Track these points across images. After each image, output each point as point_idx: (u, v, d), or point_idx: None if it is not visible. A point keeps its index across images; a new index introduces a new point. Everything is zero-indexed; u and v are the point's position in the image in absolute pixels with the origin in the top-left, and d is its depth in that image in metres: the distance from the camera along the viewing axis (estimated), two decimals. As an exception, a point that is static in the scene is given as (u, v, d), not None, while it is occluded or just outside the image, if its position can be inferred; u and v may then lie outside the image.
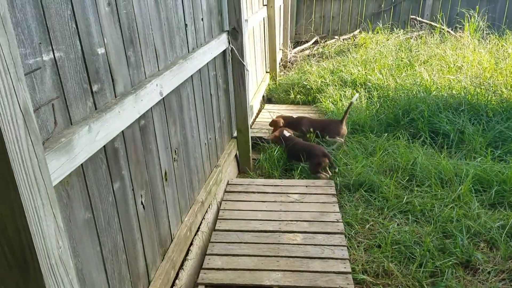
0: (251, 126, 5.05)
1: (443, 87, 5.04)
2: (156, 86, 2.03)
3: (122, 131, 1.71)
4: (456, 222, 3.01)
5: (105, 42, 1.61)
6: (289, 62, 8.55)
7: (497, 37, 7.62)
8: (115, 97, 1.68)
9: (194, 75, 2.84)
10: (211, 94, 3.27)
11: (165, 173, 2.27)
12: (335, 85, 5.70)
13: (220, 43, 3.31)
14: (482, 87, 4.99)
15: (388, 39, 8.20)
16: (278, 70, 7.82)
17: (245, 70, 3.64)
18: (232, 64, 3.63)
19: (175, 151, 2.48)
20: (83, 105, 1.44)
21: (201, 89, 3.04)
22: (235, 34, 3.47)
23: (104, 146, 1.53)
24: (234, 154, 3.98)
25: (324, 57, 8.27)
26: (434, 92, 4.91)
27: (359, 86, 5.59)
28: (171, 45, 2.40)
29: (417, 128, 4.36)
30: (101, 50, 1.57)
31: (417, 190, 3.44)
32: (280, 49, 8.41)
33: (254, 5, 5.26)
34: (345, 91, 5.48)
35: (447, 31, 8.34)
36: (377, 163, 3.80)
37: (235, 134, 4.01)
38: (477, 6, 9.03)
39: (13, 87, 0.85)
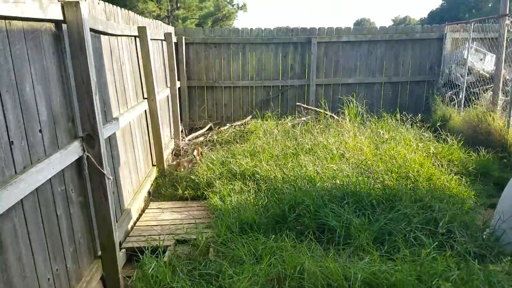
0: (129, 234, 4.46)
1: (327, 177, 5.03)
2: None
3: None
4: None
5: None
6: (183, 150, 8.24)
7: (376, 119, 8.19)
8: None
9: (26, 198, 2.29)
10: (57, 215, 2.70)
11: None
12: (224, 178, 5.42)
13: (70, 153, 2.83)
14: (364, 175, 5.08)
15: (277, 125, 8.39)
16: (170, 160, 7.43)
17: (106, 179, 3.16)
18: (89, 173, 3.13)
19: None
20: None
21: (40, 213, 2.48)
22: (91, 141, 3.03)
23: None
24: (99, 277, 3.33)
25: (217, 145, 8.13)
26: (319, 184, 4.85)
27: (248, 178, 5.38)
28: (-24, 172, 1.87)
29: (305, 225, 4.16)
30: None
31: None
32: (171, 138, 8.11)
33: (129, 101, 4.93)
34: (233, 185, 5.22)
35: (331, 116, 8.82)
36: (265, 271, 3.43)
37: (100, 252, 3.40)
38: (354, 92, 9.85)
39: None
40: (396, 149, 6.02)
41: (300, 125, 8.71)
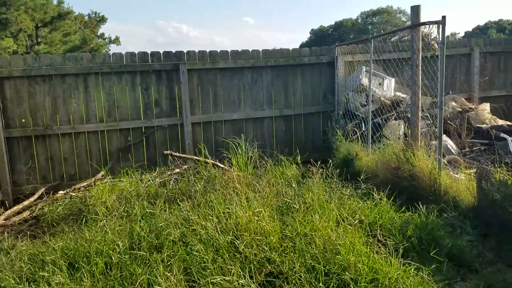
0: None
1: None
2: None
3: None
4: None
5: None
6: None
7: (272, 165, 6.19)
8: None
9: None
10: None
11: None
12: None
13: None
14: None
15: (139, 185, 5.86)
16: None
17: None
18: None
19: None
20: None
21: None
22: None
23: None
24: None
25: (45, 225, 5.31)
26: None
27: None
28: None
29: None
30: None
31: None
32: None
33: None
34: None
35: (213, 164, 6.59)
36: None
37: None
38: (242, 132, 7.82)
39: None
40: (309, 219, 3.96)
41: (172, 181, 6.29)
